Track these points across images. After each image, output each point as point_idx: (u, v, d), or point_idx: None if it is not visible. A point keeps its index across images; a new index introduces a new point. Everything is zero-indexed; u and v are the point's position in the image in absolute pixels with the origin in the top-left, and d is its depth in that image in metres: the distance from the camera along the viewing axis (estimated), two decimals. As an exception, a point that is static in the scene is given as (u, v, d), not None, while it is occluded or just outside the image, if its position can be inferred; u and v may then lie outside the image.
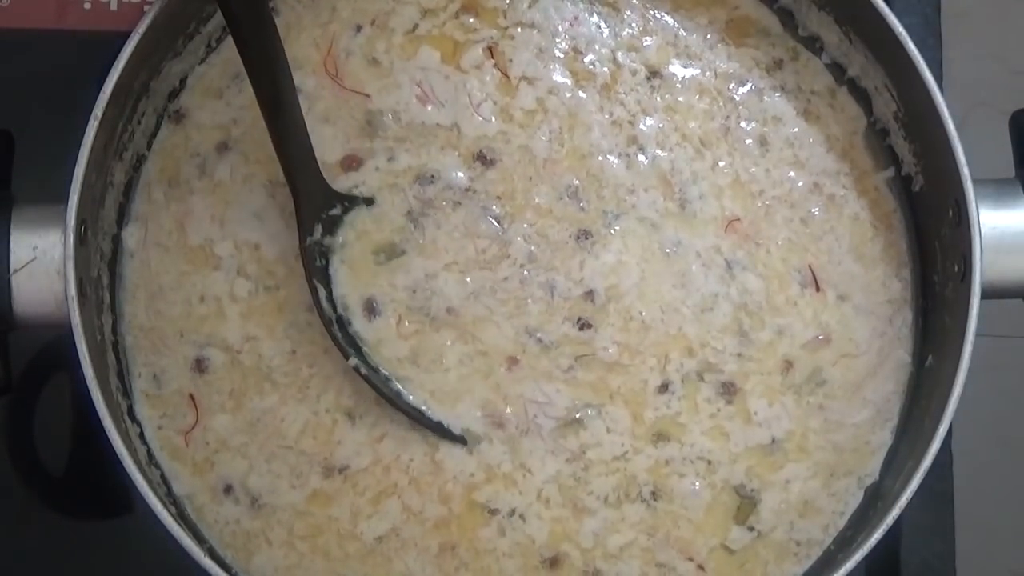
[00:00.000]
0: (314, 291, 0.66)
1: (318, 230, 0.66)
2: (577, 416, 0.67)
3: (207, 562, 0.59)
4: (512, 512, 0.67)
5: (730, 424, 0.68)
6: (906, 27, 0.64)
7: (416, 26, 0.70)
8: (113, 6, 0.77)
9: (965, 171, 0.63)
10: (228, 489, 0.66)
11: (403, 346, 0.67)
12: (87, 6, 0.77)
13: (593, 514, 0.67)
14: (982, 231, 0.63)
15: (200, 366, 0.67)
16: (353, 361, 0.66)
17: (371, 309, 0.68)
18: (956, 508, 0.76)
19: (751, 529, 0.67)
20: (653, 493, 0.67)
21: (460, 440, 0.67)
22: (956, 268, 0.64)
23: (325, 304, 0.66)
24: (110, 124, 0.63)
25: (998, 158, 0.67)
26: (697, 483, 0.67)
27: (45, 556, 0.73)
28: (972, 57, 1.13)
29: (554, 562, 0.66)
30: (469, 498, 0.67)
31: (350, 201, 0.68)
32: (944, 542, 0.76)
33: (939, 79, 0.76)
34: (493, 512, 0.66)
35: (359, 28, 0.70)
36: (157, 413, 0.67)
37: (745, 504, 0.67)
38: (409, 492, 0.66)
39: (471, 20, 0.70)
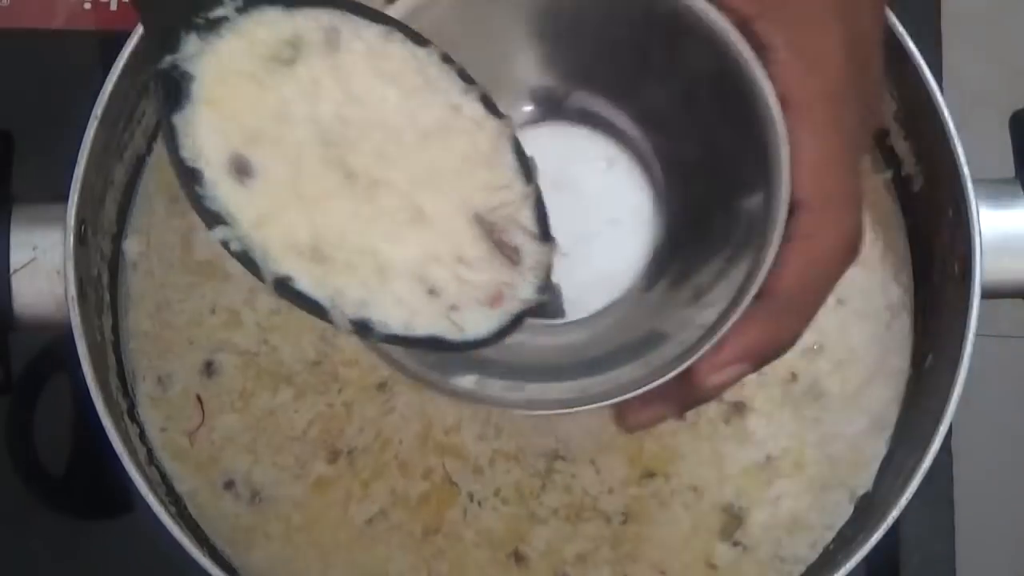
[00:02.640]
0: (170, 133, 0.45)
1: (190, 43, 0.45)
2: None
3: (207, 562, 0.59)
4: (471, 497, 0.66)
5: (726, 446, 0.67)
6: (906, 27, 0.64)
7: None
8: (113, 6, 0.77)
9: (965, 171, 0.63)
10: (229, 484, 0.66)
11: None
12: (87, 6, 0.77)
13: (544, 523, 0.66)
14: (982, 231, 0.63)
15: (209, 369, 0.67)
16: (221, 232, 0.45)
17: (242, 168, 0.46)
18: (956, 508, 0.76)
19: (736, 544, 0.67)
20: (624, 517, 0.67)
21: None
22: (956, 268, 0.64)
23: (187, 152, 0.45)
24: (110, 124, 0.63)
25: (998, 158, 0.67)
26: (680, 512, 0.67)
27: (45, 556, 0.73)
28: (972, 57, 1.13)
29: (519, 557, 0.66)
30: (444, 471, 0.66)
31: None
32: (944, 542, 0.76)
33: (939, 79, 0.76)
34: (457, 487, 0.66)
35: None
36: (161, 415, 0.67)
37: (731, 521, 0.67)
38: (396, 475, 0.66)
39: None
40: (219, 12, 0.45)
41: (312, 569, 0.66)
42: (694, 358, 0.48)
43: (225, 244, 0.45)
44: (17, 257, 0.61)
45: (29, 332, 0.62)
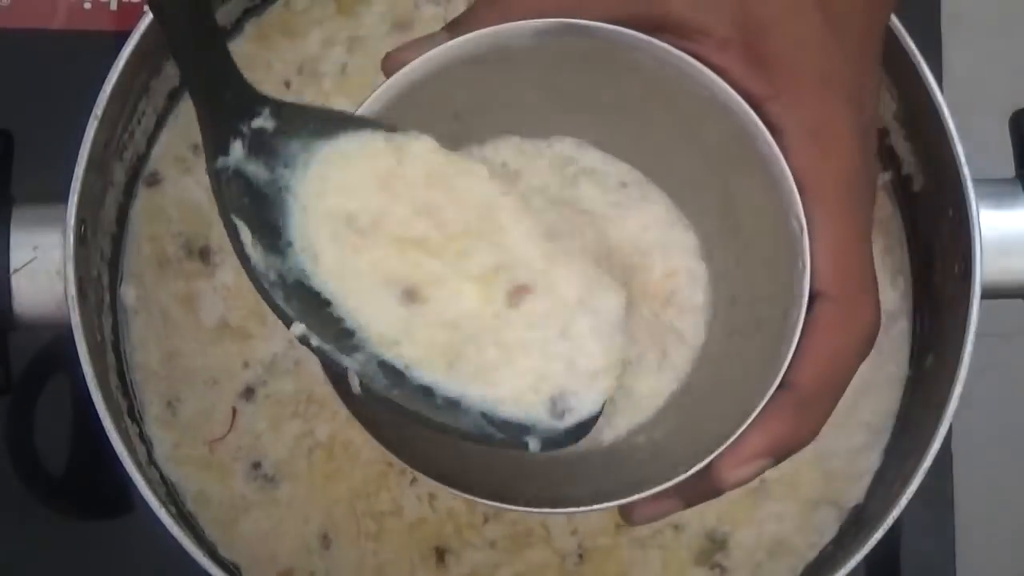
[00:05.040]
0: (233, 231, 0.47)
1: (236, 148, 0.48)
2: None
3: (207, 562, 0.59)
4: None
5: None
6: (906, 27, 0.64)
7: (345, 65, 0.68)
8: (113, 6, 0.77)
9: (965, 171, 0.63)
10: (257, 465, 0.66)
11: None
12: (87, 6, 0.77)
13: (476, 549, 0.66)
14: (982, 231, 0.63)
15: (249, 395, 0.66)
16: (298, 329, 0.47)
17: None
18: (956, 508, 0.76)
19: (714, 567, 0.66)
20: (579, 558, 0.66)
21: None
22: (956, 268, 0.64)
23: (252, 249, 0.47)
24: (110, 124, 0.63)
25: (998, 158, 0.67)
26: (654, 552, 0.66)
27: (45, 556, 0.73)
28: (972, 57, 1.12)
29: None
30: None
31: (298, 113, 0.49)
32: (944, 542, 0.76)
33: (939, 79, 0.76)
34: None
35: (288, 84, 0.68)
36: (172, 437, 0.67)
37: (711, 546, 0.66)
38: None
39: (405, 38, 0.67)
40: (259, 122, 0.48)
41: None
42: (715, 453, 0.47)
43: (304, 339, 0.47)
44: (17, 257, 0.61)
45: (29, 332, 0.62)
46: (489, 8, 0.50)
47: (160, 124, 0.68)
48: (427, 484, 0.62)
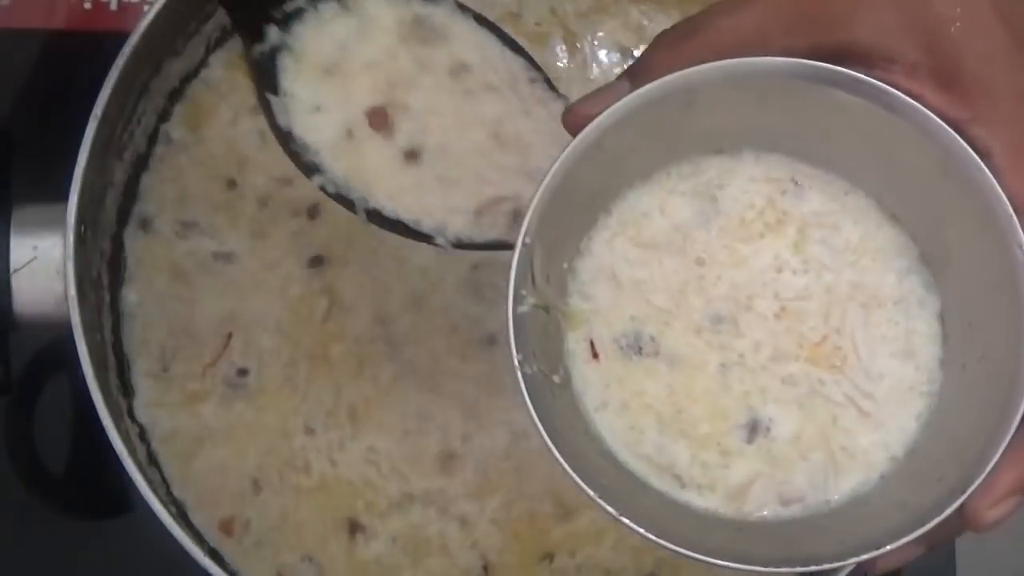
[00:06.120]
0: (267, 107, 0.56)
1: (272, 33, 0.56)
2: None
3: (207, 562, 0.59)
4: None
5: None
6: (906, 27, 0.64)
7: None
8: (113, 6, 0.77)
9: (966, 171, 0.62)
10: (243, 372, 0.67)
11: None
12: (87, 6, 0.77)
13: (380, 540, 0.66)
14: (982, 231, 0.62)
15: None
16: (318, 180, 0.55)
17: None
18: (956, 508, 0.76)
19: None
20: (484, 568, 0.66)
21: None
22: (957, 268, 0.64)
23: (281, 119, 0.56)
24: (110, 124, 0.63)
25: (998, 158, 0.67)
26: None
27: (45, 556, 0.73)
28: (972, 57, 1.12)
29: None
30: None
31: None
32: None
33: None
34: None
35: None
36: (160, 388, 0.67)
37: None
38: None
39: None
40: (295, 4, 0.56)
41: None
42: (965, 495, 0.45)
43: (322, 188, 0.56)
44: (17, 257, 0.61)
45: (29, 332, 0.62)
46: (666, 53, 0.48)
47: (197, 62, 0.69)
48: (326, 448, 0.66)
